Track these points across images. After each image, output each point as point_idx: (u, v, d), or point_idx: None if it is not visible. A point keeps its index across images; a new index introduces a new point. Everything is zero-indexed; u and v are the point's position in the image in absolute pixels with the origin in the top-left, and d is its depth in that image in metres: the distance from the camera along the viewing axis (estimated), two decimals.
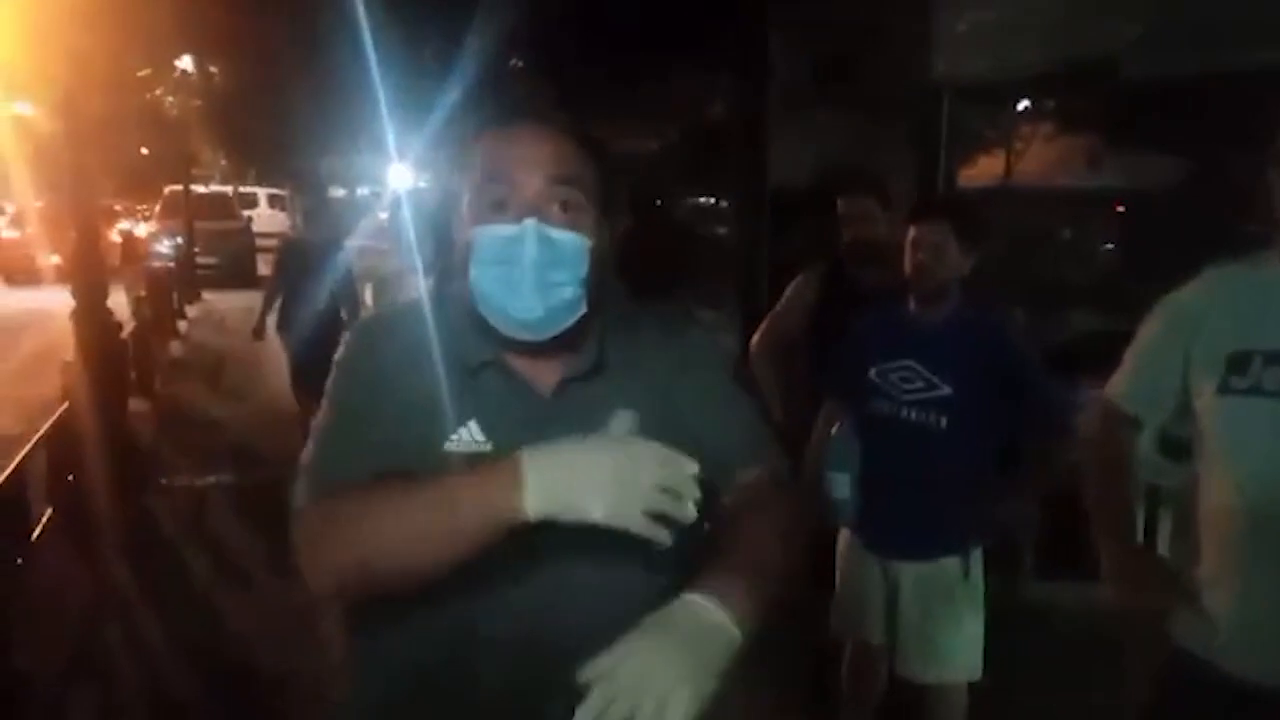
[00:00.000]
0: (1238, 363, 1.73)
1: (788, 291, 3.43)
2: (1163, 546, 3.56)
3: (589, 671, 0.98)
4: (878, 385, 2.68)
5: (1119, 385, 1.97)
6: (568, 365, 1.29)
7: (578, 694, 1.12)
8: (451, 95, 8.14)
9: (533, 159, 1.22)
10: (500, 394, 1.27)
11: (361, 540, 1.12)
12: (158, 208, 18.83)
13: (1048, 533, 3.88)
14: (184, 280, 14.20)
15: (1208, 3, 4.21)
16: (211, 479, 6.09)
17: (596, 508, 1.04)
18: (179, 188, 17.27)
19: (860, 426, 2.74)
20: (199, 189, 18.91)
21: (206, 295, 15.45)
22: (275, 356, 6.36)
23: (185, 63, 15.31)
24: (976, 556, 2.69)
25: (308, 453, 1.27)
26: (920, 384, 2.62)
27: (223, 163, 19.55)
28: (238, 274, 17.37)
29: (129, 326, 7.64)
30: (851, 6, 7.23)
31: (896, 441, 2.62)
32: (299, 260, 5.60)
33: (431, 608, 1.20)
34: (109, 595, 4.31)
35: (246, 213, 21.38)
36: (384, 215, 14.87)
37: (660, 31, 8.08)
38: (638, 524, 1.04)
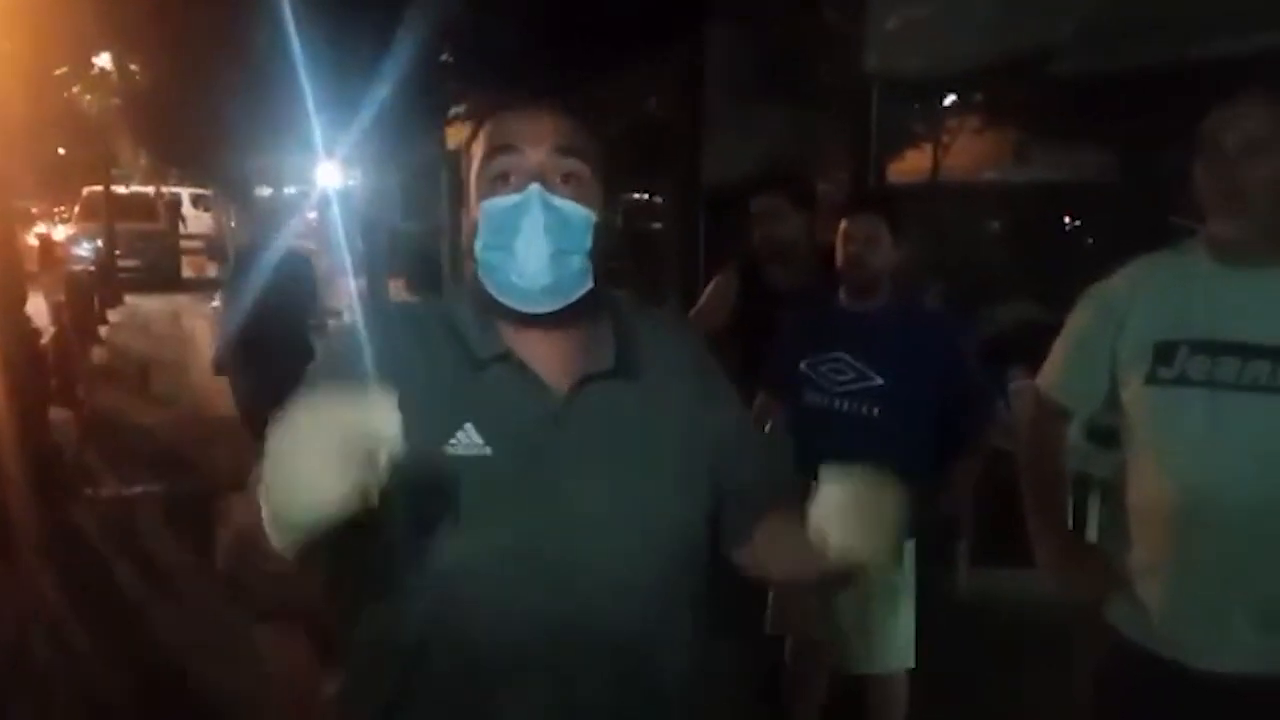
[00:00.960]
0: (1164, 353, 1.77)
1: (707, 291, 3.43)
2: (1091, 534, 3.64)
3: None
4: (810, 378, 2.71)
5: (1049, 376, 2.01)
6: (586, 361, 1.26)
7: (598, 667, 1.18)
8: (381, 91, 8.04)
9: (536, 131, 1.22)
10: (509, 392, 1.23)
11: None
12: (76, 209, 18.34)
13: (986, 522, 3.94)
14: (105, 284, 13.84)
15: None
16: (139, 489, 5.93)
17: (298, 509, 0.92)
18: (98, 189, 16.83)
19: (794, 420, 2.76)
20: (119, 190, 18.45)
21: (129, 299, 15.08)
22: (202, 360, 6.21)
23: (104, 60, 14.86)
24: (910, 546, 2.72)
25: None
26: (852, 375, 2.65)
27: (143, 162, 19.05)
28: (161, 276, 17.04)
29: (49, 333, 7.41)
30: (787, 2, 7.29)
31: (830, 433, 2.65)
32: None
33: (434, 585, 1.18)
34: (34, 609, 4.18)
35: None
36: (312, 214, 14.64)
37: (597, 26, 8.05)
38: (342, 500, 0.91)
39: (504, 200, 1.20)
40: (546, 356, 1.24)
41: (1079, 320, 1.97)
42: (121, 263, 16.23)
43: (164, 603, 4.25)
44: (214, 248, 19.52)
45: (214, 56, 9.58)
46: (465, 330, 1.25)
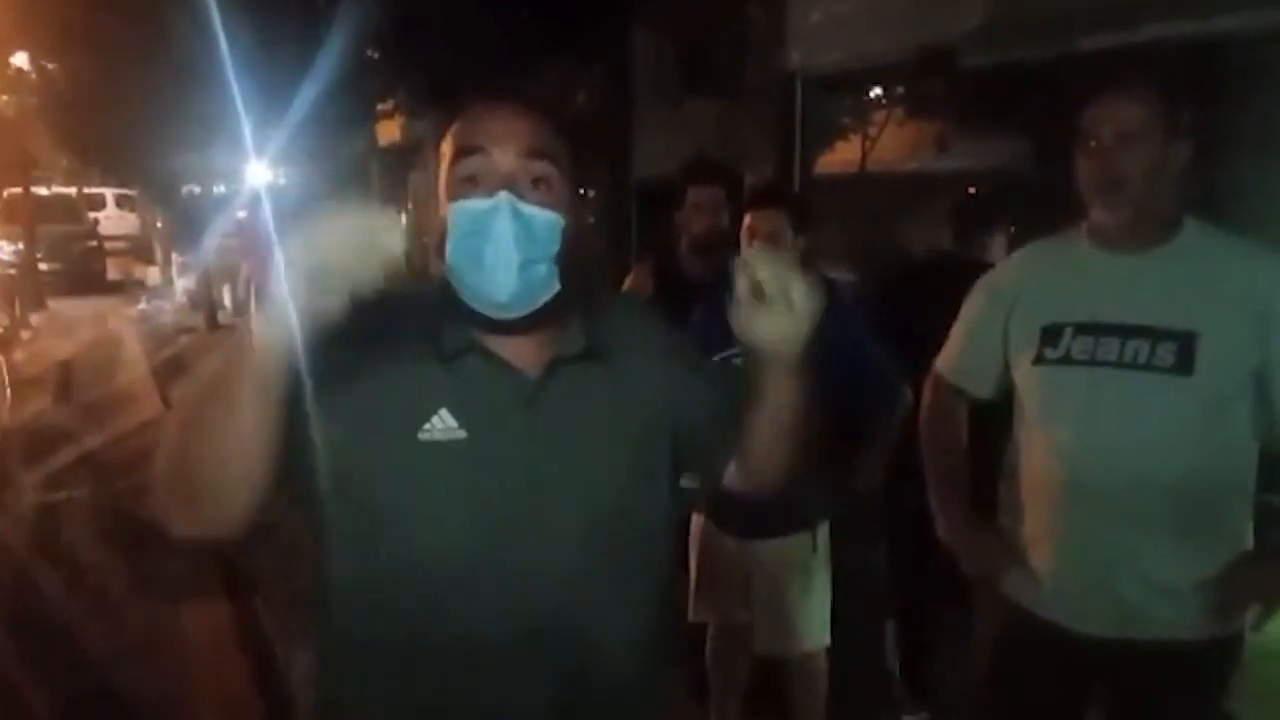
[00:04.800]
0: (1050, 334, 1.86)
1: (625, 287, 3.46)
2: None
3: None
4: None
5: (946, 359, 2.09)
6: (556, 346, 1.28)
7: (563, 643, 1.22)
8: (309, 87, 7.95)
9: (507, 133, 1.22)
10: (481, 379, 1.25)
11: (172, 440, 1.15)
12: None
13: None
14: (27, 287, 13.52)
15: None
16: (63, 494, 5.81)
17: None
18: (18, 190, 16.41)
19: None
20: (40, 191, 18.00)
21: (51, 302, 14.74)
22: (128, 365, 6.10)
23: (20, 60, 14.46)
24: (824, 529, 2.79)
25: None
26: None
27: (64, 163, 18.59)
28: (85, 279, 16.69)
29: None
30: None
31: None
32: None
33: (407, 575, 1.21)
34: None
35: (93, 214, 20.47)
36: (242, 213, 14.41)
37: (524, 24, 8.04)
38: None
39: (473, 205, 1.20)
40: (516, 347, 1.26)
41: (973, 306, 2.05)
42: (43, 265, 15.84)
43: (90, 609, 4.19)
44: (140, 248, 19.14)
45: (135, 54, 9.41)
46: (435, 322, 1.26)
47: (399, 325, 1.26)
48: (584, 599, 1.24)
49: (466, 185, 1.22)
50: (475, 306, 1.23)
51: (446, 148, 1.25)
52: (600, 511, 1.26)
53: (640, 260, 3.52)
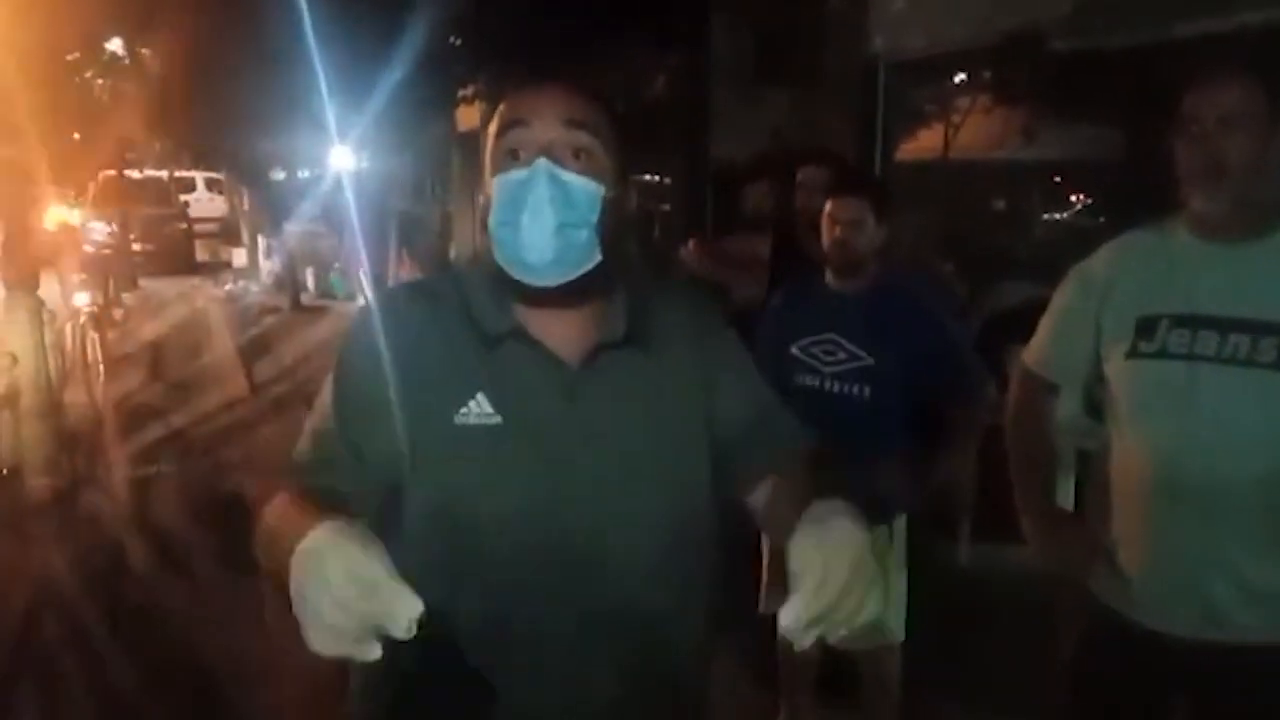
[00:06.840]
0: (1146, 327, 1.80)
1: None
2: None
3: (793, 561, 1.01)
4: (801, 360, 2.73)
5: (1035, 352, 2.03)
6: (598, 332, 1.28)
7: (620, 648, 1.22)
8: (392, 74, 8.06)
9: (547, 105, 1.23)
10: (521, 365, 1.25)
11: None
12: (91, 194, 18.48)
13: (989, 498, 3.97)
14: (119, 267, 13.96)
15: None
16: (153, 469, 6.00)
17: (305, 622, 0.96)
18: (113, 173, 16.94)
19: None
20: (134, 174, 18.55)
21: (143, 282, 15.20)
22: (214, 344, 6.26)
23: (115, 45, 14.86)
24: (901, 523, 2.74)
25: (303, 436, 1.30)
26: (843, 355, 2.67)
27: (157, 147, 19.11)
28: (175, 260, 17.18)
29: (62, 316, 7.48)
30: None
31: (820, 414, 2.62)
32: None
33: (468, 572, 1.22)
34: (49, 590, 4.25)
35: (183, 197, 21.04)
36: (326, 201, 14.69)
37: (602, 9, 8.05)
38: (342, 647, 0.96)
39: (513, 175, 1.21)
40: (559, 331, 1.26)
41: (1064, 297, 1.99)
42: (136, 246, 16.34)
43: (177, 582, 4.32)
44: (227, 231, 19.63)
45: (226, 40, 9.61)
46: (478, 307, 1.27)
47: (440, 311, 1.27)
48: (626, 585, 1.23)
49: (509, 158, 1.23)
50: (515, 275, 1.23)
51: (492, 126, 1.26)
52: (639, 499, 1.25)
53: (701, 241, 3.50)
